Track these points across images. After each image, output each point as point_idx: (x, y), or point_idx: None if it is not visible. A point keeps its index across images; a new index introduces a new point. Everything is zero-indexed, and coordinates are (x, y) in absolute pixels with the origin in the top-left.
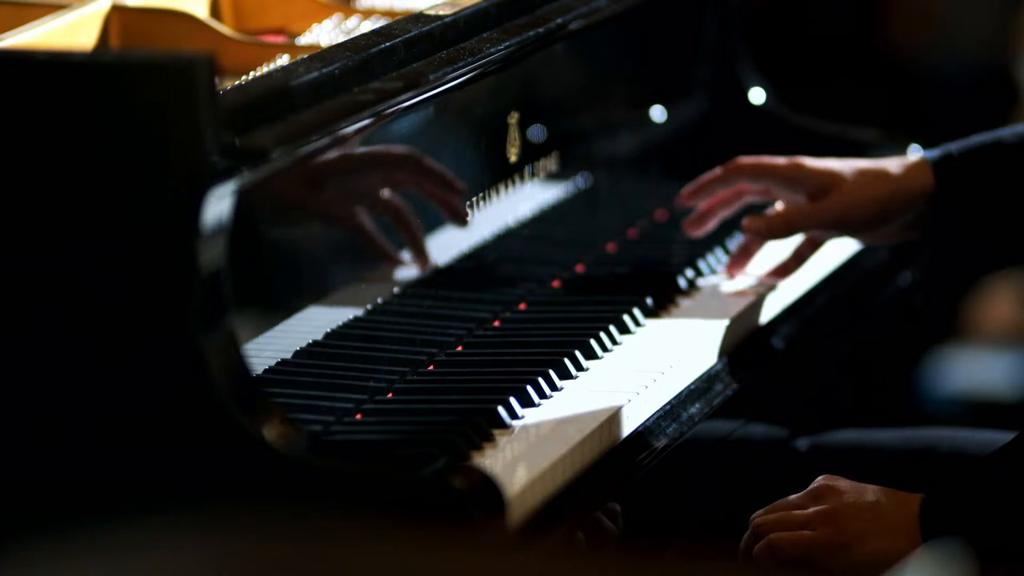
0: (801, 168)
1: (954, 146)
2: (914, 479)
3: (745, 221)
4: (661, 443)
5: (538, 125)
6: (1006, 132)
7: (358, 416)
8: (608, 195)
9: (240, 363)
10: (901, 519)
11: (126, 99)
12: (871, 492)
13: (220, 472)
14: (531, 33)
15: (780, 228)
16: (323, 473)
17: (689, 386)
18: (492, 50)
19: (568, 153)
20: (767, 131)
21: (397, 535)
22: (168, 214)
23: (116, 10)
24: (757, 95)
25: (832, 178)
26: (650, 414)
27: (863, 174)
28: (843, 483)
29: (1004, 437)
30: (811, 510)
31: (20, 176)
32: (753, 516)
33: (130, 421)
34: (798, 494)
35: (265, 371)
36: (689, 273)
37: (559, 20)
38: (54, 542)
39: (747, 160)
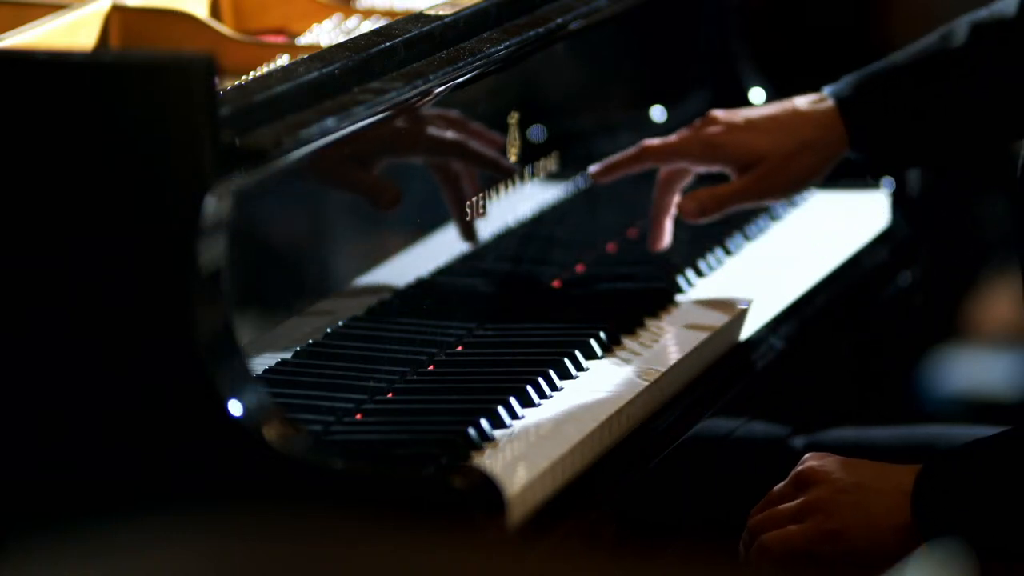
0: (715, 150)
1: (856, 90)
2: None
3: (679, 204)
4: (661, 442)
5: (538, 125)
6: (900, 56)
7: (358, 416)
8: (608, 195)
9: (240, 363)
10: (890, 501)
11: (126, 99)
12: (857, 472)
13: (220, 472)
14: (531, 33)
15: (712, 208)
16: (323, 473)
17: (689, 384)
18: (492, 50)
19: (568, 153)
20: None
21: (397, 535)
22: (168, 214)
23: (116, 10)
24: (757, 95)
25: (752, 155)
26: (650, 414)
27: (782, 144)
28: (829, 463)
29: (1004, 434)
30: (797, 502)
31: (20, 176)
32: (750, 516)
33: (130, 421)
34: (785, 482)
35: (265, 371)
36: (690, 273)
37: (559, 20)
38: (54, 542)
39: (654, 144)
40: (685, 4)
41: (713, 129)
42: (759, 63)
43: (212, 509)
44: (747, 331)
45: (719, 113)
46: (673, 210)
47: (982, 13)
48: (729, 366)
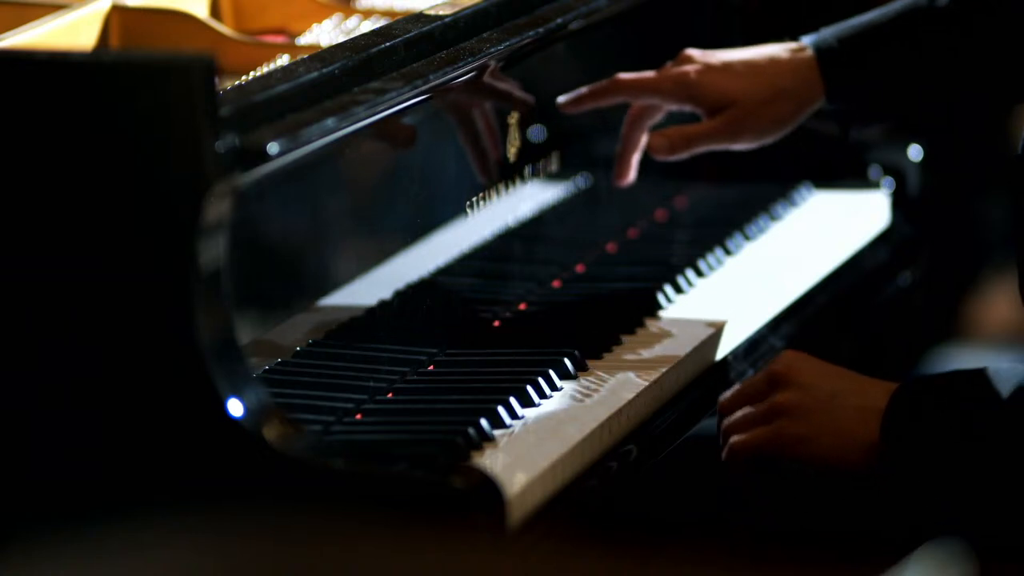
0: (688, 89)
1: (836, 41)
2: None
3: (649, 141)
4: (661, 442)
5: (538, 125)
6: (883, 11)
7: (358, 416)
8: (608, 195)
9: (240, 363)
10: (861, 416)
11: (126, 99)
12: (833, 381)
13: (220, 472)
14: (531, 33)
15: (681, 146)
16: (323, 473)
17: (690, 383)
18: (492, 50)
19: (568, 153)
20: None
21: (397, 535)
22: (168, 214)
23: (116, 10)
24: None
25: (725, 98)
26: (650, 413)
27: (757, 89)
28: (806, 366)
29: None
30: (766, 404)
31: (20, 176)
32: (720, 408)
33: (130, 421)
34: (759, 376)
35: (265, 371)
36: (690, 273)
37: (559, 20)
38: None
39: (626, 77)
40: (685, 4)
41: (688, 67)
42: None
43: (212, 509)
44: (747, 331)
45: (694, 52)
46: (641, 146)
47: None
48: (729, 364)
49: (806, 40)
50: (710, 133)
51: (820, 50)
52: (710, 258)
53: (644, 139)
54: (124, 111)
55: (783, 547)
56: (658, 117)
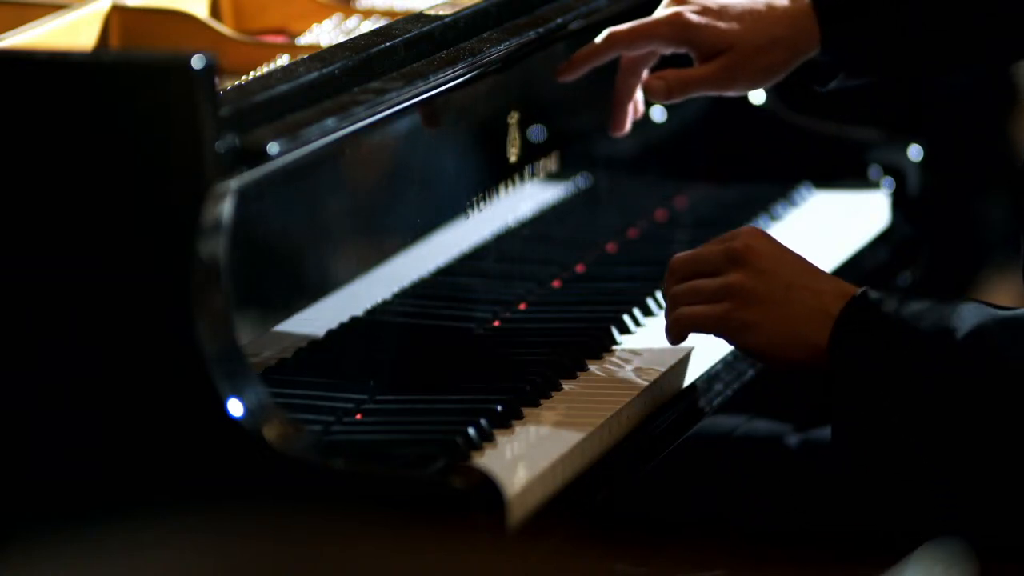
0: (686, 31)
1: None
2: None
3: (645, 83)
4: (661, 442)
5: (538, 125)
6: None
7: (358, 416)
8: (608, 195)
9: (240, 363)
10: (813, 316)
11: (126, 99)
12: (792, 271)
13: (220, 472)
14: (531, 33)
15: (677, 90)
16: (323, 473)
17: (691, 382)
18: (492, 50)
19: (568, 153)
20: (767, 131)
21: (397, 535)
22: (168, 214)
23: (116, 10)
24: (757, 95)
25: (722, 43)
26: (650, 413)
27: (753, 35)
28: (768, 249)
29: None
30: (720, 280)
31: (20, 176)
32: (669, 273)
33: (130, 421)
34: (717, 248)
35: (265, 371)
36: None
37: (559, 20)
38: (54, 542)
39: (620, 29)
40: None
41: (683, 8)
42: None
43: (212, 509)
44: None
45: None
46: (636, 94)
47: None
48: (728, 364)
49: None
50: (706, 78)
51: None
52: None
53: (638, 88)
54: (124, 111)
55: (783, 547)
56: (652, 62)
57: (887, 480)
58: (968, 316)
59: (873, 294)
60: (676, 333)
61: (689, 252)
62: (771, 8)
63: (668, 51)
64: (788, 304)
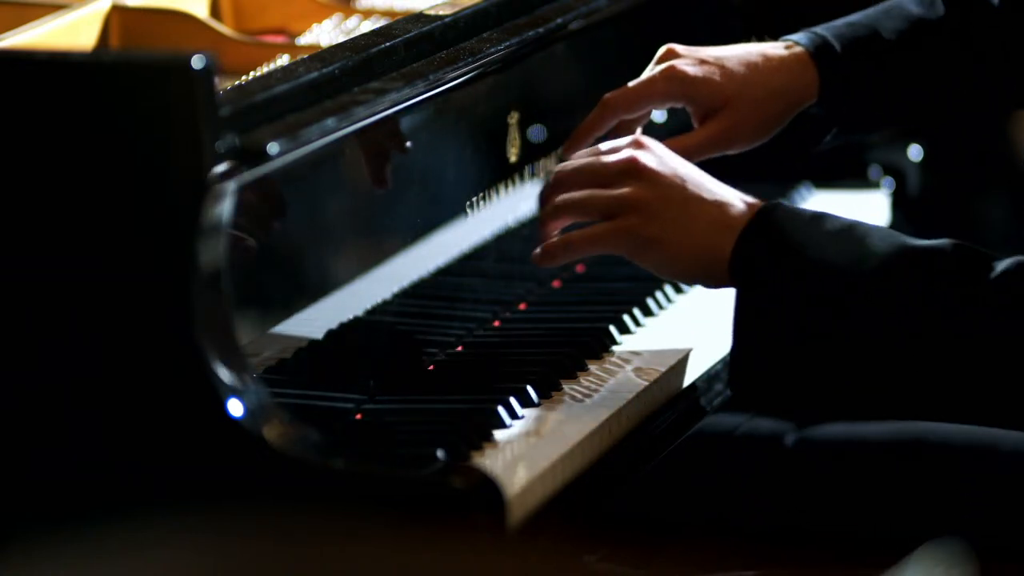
0: (683, 85)
1: (834, 41)
2: (902, 472)
3: None
4: (661, 442)
5: (538, 125)
6: (883, 19)
7: (358, 416)
8: None
9: (240, 363)
10: (715, 231)
11: (126, 99)
12: (692, 180)
13: (220, 472)
14: (531, 33)
15: None
16: (323, 473)
17: (692, 381)
18: (492, 50)
19: None
20: None
21: (397, 535)
22: (168, 214)
23: (116, 10)
24: None
25: (721, 95)
26: (650, 413)
27: (750, 90)
28: (659, 155)
29: (994, 431)
30: (615, 195)
31: (20, 176)
32: (559, 172)
33: (129, 421)
34: (611, 159)
35: (265, 371)
36: None
37: (559, 20)
38: (54, 542)
39: (615, 95)
40: (685, 4)
41: (679, 62)
42: None
43: (212, 509)
44: None
45: (679, 47)
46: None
47: None
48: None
49: (795, 38)
50: (706, 142)
51: (816, 48)
52: None
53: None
54: (124, 111)
55: (783, 547)
56: (645, 121)
57: (770, 400)
58: (879, 245)
59: (781, 211)
60: (564, 255)
61: (575, 161)
62: (766, 59)
63: (665, 108)
64: (690, 218)
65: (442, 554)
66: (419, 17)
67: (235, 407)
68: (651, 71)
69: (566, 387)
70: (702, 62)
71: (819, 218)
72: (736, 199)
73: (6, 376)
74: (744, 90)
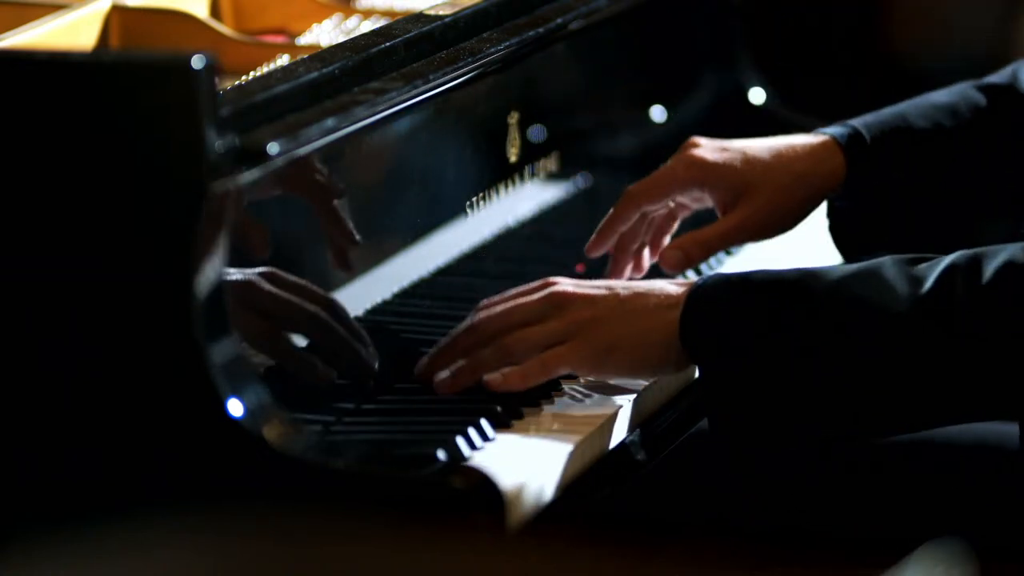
0: (705, 172)
1: (863, 129)
2: (905, 471)
3: (661, 254)
4: (663, 440)
5: (538, 125)
6: (912, 111)
7: (358, 416)
8: (608, 195)
9: (240, 363)
10: (658, 313)
11: (126, 99)
12: (614, 289)
13: (220, 472)
14: (531, 33)
15: (698, 256)
16: (323, 473)
17: (692, 381)
18: (492, 50)
19: (568, 153)
20: (767, 131)
21: (397, 535)
22: (169, 214)
23: (116, 10)
24: (757, 95)
25: (742, 181)
26: (651, 412)
27: (774, 176)
28: (576, 284)
29: (996, 429)
30: (552, 325)
31: (20, 176)
32: (481, 316)
33: (130, 421)
34: (533, 300)
35: (265, 371)
36: (690, 273)
37: (559, 20)
38: (54, 542)
39: (637, 186)
40: (685, 4)
41: (699, 150)
42: (759, 63)
43: (212, 509)
44: None
45: (702, 139)
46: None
47: (995, 79)
48: None
49: (826, 129)
50: (727, 232)
51: (847, 137)
52: (711, 258)
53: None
54: (124, 111)
55: (783, 547)
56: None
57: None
58: (822, 277)
59: (712, 278)
60: (538, 377)
61: (499, 309)
62: (791, 147)
63: (686, 199)
64: (633, 312)
65: (442, 554)
66: (419, 17)
67: (235, 407)
68: (671, 161)
69: (566, 387)
70: (723, 150)
71: (762, 275)
72: (666, 283)
73: (6, 376)
74: (767, 175)
